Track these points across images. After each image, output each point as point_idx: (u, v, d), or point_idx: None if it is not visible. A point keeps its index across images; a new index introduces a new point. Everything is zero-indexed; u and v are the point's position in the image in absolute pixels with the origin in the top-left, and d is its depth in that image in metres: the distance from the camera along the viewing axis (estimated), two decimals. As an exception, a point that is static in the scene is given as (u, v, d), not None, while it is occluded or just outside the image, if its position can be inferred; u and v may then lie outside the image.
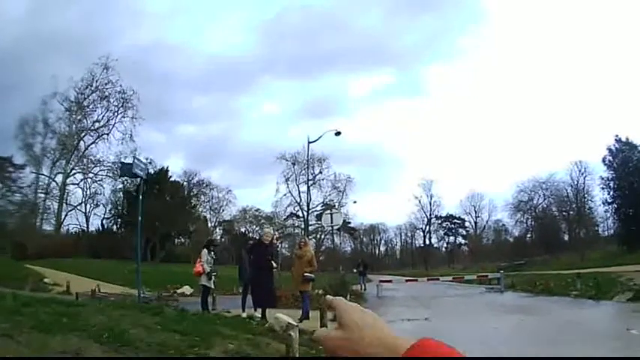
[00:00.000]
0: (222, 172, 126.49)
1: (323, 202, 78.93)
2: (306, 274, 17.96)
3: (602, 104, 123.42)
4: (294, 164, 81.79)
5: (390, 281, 40.59)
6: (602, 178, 66.98)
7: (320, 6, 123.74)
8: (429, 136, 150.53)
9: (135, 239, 61.03)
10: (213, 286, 20.21)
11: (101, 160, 69.00)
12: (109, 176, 70.10)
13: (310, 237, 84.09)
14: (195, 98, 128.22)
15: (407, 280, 44.01)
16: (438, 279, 41.67)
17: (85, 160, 68.38)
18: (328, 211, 31.40)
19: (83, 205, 73.02)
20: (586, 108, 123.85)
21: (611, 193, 65.10)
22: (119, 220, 74.02)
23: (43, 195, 67.75)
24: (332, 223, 29.23)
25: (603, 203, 69.46)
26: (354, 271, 45.57)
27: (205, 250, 20.00)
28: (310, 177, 72.60)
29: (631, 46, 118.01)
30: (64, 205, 68.24)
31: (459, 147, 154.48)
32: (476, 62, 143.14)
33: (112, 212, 74.97)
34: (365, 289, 39.12)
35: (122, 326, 9.30)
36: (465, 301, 28.37)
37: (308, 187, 67.37)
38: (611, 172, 64.70)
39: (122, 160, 65.90)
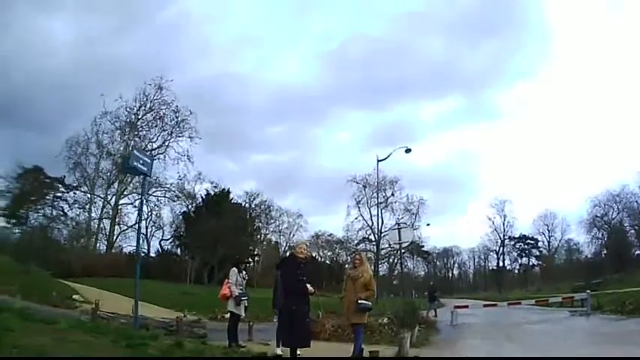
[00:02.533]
0: (294, 199, 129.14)
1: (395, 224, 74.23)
2: (361, 300, 12.82)
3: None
4: (364, 187, 78.75)
5: (466, 306, 35.12)
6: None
7: (380, 35, 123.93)
8: (500, 156, 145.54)
9: (191, 262, 58.93)
10: (243, 314, 15.82)
11: (159, 181, 65.26)
12: (168, 198, 67.32)
13: (382, 261, 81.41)
14: (267, 128, 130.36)
15: (485, 305, 38.69)
16: (519, 303, 36.43)
17: (140, 179, 64.02)
18: (396, 226, 26.39)
19: (144, 228, 69.02)
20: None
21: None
22: (177, 242, 70.67)
23: (94, 215, 65.89)
24: (400, 240, 24.46)
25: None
26: (426, 294, 40.82)
27: (234, 269, 15.85)
28: (382, 199, 71.19)
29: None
30: (117, 226, 65.39)
31: (530, 166, 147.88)
32: (545, 81, 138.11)
33: (171, 234, 71.34)
34: (436, 316, 33.28)
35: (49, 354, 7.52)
36: (553, 330, 22.86)
37: (378, 208, 65.62)
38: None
39: (182, 181, 65.91)
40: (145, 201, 59.69)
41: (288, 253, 14.57)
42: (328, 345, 16.52)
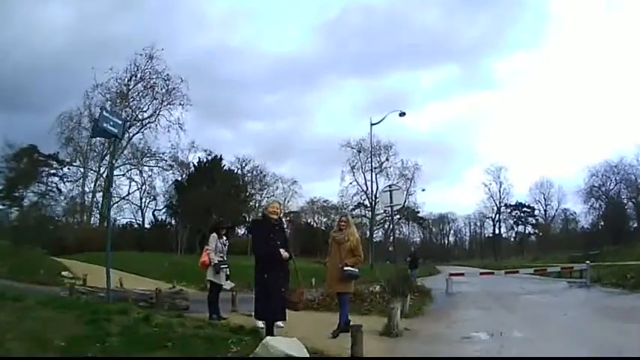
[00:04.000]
0: (289, 166, 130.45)
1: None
2: (347, 267, 11.65)
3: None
4: (359, 152, 78.34)
5: (462, 274, 34.14)
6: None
7: (379, 5, 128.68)
8: (498, 124, 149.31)
9: (182, 231, 58.49)
10: (223, 282, 14.31)
11: (152, 150, 65.65)
12: (161, 167, 67.22)
13: (377, 227, 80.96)
14: (264, 96, 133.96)
15: (481, 274, 37.55)
16: (517, 271, 35.33)
17: (133, 151, 64.82)
18: (387, 188, 25.03)
19: (139, 199, 71.24)
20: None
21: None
22: (170, 211, 71.20)
23: (88, 189, 66.03)
24: (392, 202, 23.13)
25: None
26: (408, 260, 39.46)
27: (214, 235, 14.36)
28: (376, 164, 70.54)
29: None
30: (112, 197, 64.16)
31: (528, 134, 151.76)
32: (544, 50, 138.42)
33: (164, 204, 72.12)
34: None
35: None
36: (555, 301, 21.59)
37: (373, 173, 65.13)
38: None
39: (175, 150, 66.03)
40: (117, 167, 60.24)
41: (260, 214, 12.92)
42: (315, 315, 15.30)
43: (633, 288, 23.26)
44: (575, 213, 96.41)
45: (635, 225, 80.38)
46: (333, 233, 12.54)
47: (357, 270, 11.97)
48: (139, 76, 63.50)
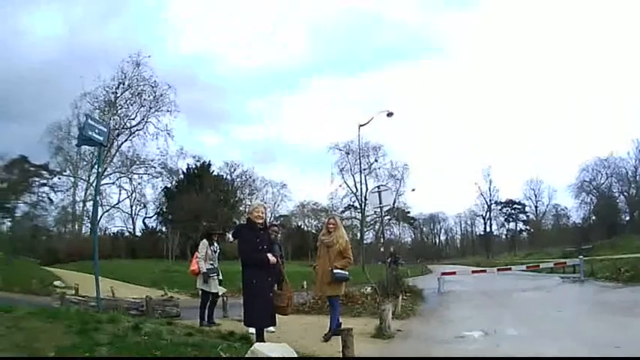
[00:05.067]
0: (278, 170, 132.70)
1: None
2: (337, 270, 11.52)
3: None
4: (347, 154, 77.57)
5: (453, 273, 33.68)
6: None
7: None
8: (488, 122, 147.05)
9: (173, 238, 58.70)
10: (213, 290, 14.17)
11: (141, 158, 65.96)
12: (150, 174, 67.86)
13: (368, 228, 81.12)
14: (251, 101, 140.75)
15: (474, 272, 37.68)
16: (509, 269, 35.26)
17: (122, 159, 65.31)
18: (375, 189, 24.96)
19: (129, 207, 71.65)
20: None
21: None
22: (160, 218, 71.43)
23: (79, 198, 66.47)
24: (381, 203, 23.06)
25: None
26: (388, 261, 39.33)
27: (205, 242, 14.23)
28: (365, 166, 70.44)
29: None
30: (102, 206, 65.19)
31: (518, 132, 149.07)
32: (531, 46, 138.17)
33: (155, 211, 72.63)
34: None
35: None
36: (549, 298, 21.57)
37: (361, 175, 65.35)
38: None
39: (165, 157, 66.64)
40: (107, 176, 60.52)
41: (245, 220, 12.79)
42: (306, 319, 15.08)
43: (627, 281, 23.40)
44: (566, 208, 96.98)
45: (628, 218, 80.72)
46: (322, 236, 12.39)
47: (346, 272, 11.87)
48: (126, 83, 63.61)
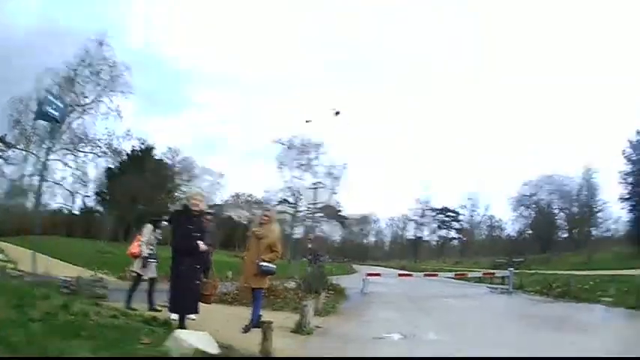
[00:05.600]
0: (219, 159, 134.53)
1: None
2: (263, 263, 11.82)
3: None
4: (289, 148, 76.91)
5: (378, 275, 34.22)
6: (620, 172, 62.08)
7: None
8: (429, 131, 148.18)
9: (110, 218, 58.76)
10: (151, 276, 14.39)
11: (89, 137, 64.16)
12: (95, 154, 65.25)
13: (298, 224, 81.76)
14: (200, 90, 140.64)
15: (400, 275, 38.24)
16: (436, 275, 36.05)
17: (71, 136, 63.54)
18: (312, 185, 25.59)
19: (72, 184, 67.45)
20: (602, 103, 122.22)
21: (629, 189, 59.96)
22: (99, 198, 71.03)
23: (28, 173, 63.89)
24: (316, 200, 23.65)
25: (620, 200, 64.45)
26: (309, 257, 39.75)
27: (149, 226, 14.47)
28: (305, 161, 70.87)
29: None
30: (46, 182, 63.77)
31: (456, 142, 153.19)
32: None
33: (95, 191, 70.94)
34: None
35: None
36: (475, 306, 22.53)
37: (300, 169, 65.23)
38: (630, 165, 59.60)
39: (111, 137, 64.70)
40: (54, 152, 59.83)
41: (182, 205, 13.00)
42: (228, 309, 15.60)
43: (558, 297, 24.16)
44: (501, 220, 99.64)
45: (566, 235, 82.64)
46: (254, 228, 12.73)
47: (273, 266, 12.20)
48: (87, 61, 62.60)
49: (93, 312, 9.83)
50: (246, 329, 11.44)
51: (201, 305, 10.64)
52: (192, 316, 10.91)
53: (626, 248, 59.24)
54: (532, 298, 25.51)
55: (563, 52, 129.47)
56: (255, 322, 11.39)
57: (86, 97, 63.24)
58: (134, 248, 14.39)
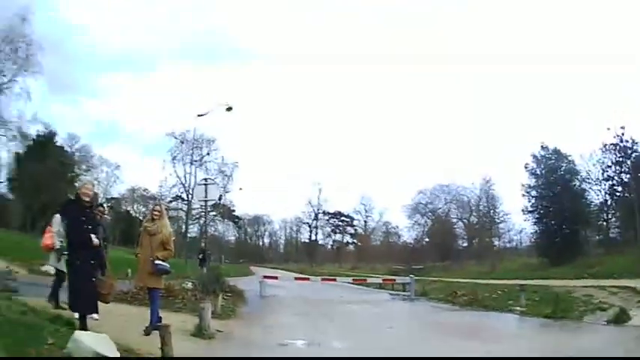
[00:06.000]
0: (115, 150, 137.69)
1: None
2: (158, 261, 11.56)
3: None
4: (182, 142, 76.94)
5: (275, 277, 34.32)
6: (524, 185, 63.75)
7: None
8: (326, 133, 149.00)
9: (18, 207, 57.42)
10: (65, 269, 12.99)
11: (3, 118, 62.30)
12: (6, 136, 63.43)
13: (193, 222, 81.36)
14: (102, 76, 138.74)
15: (297, 279, 38.94)
16: (334, 279, 36.21)
17: None
18: (202, 181, 25.19)
19: None
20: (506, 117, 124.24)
21: (533, 201, 61.75)
22: (10, 185, 68.68)
23: None
24: (206, 196, 23.25)
25: (523, 212, 66.09)
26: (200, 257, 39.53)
27: (58, 217, 13.33)
28: (197, 157, 70.75)
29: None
30: None
31: (351, 147, 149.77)
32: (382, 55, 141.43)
33: (6, 177, 69.23)
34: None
35: None
36: (378, 312, 22.79)
37: (192, 164, 65.15)
38: (534, 179, 61.39)
39: (21, 120, 63.10)
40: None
41: (73, 196, 12.40)
42: (128, 309, 15.06)
43: (465, 305, 24.65)
44: (397, 227, 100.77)
45: (465, 244, 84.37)
46: (145, 223, 12.47)
47: (168, 265, 12.00)
48: (10, 37, 60.95)
49: (5, 307, 9.57)
50: (147, 332, 11.13)
51: (100, 305, 10.29)
52: (95, 315, 10.55)
53: (533, 259, 60.86)
54: (437, 305, 25.90)
55: (469, 62, 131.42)
56: (155, 324, 11.09)
57: (4, 75, 61.65)
58: (47, 240, 13.85)
